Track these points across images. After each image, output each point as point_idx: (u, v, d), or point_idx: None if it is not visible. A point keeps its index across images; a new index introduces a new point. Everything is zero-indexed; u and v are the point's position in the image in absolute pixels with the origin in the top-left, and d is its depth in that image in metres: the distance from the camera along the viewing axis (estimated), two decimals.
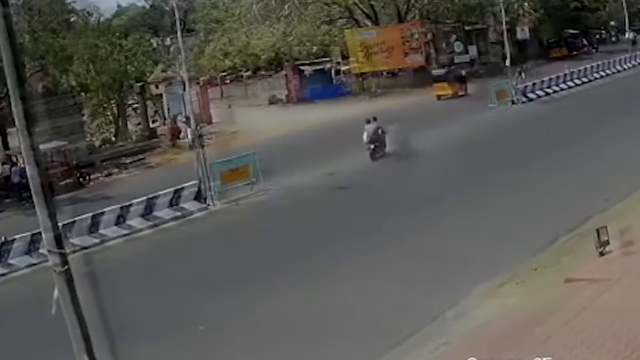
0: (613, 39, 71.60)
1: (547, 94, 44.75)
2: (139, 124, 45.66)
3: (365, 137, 30.60)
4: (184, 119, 37.44)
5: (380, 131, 30.63)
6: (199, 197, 26.57)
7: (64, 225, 20.01)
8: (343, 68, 57.12)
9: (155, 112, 46.15)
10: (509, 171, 25.91)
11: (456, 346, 13.13)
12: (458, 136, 33.73)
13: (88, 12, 49.10)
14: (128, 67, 42.96)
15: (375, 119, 31.18)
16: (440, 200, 23.19)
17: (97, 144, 42.24)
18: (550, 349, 11.52)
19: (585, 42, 67.43)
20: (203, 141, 28.97)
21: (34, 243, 21.64)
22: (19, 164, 30.55)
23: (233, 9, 63.84)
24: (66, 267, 7.93)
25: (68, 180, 32.47)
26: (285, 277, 18.25)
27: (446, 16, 62.24)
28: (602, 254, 15.79)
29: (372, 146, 30.36)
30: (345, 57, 57.60)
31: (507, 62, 43.49)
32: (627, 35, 60.22)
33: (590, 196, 21.50)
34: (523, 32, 64.34)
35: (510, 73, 43.36)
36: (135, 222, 24.78)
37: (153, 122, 45.83)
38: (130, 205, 24.99)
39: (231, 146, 33.72)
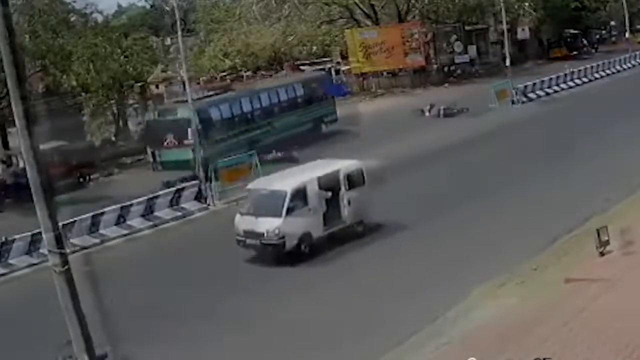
0: (613, 39, 71.45)
1: (548, 94, 44.73)
2: (139, 123, 45.61)
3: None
4: None
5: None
6: (199, 197, 26.55)
7: (64, 225, 20.00)
8: (343, 68, 57.02)
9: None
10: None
11: (456, 346, 13.13)
12: (463, 136, 33.86)
13: (89, 12, 49.02)
14: (128, 67, 42.89)
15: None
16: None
17: (97, 144, 42.18)
18: (550, 349, 11.52)
19: (585, 42, 67.35)
20: None
21: (34, 243, 21.62)
22: (13, 165, 30.60)
23: (233, 9, 63.77)
24: (66, 267, 7.95)
25: (68, 180, 32.40)
26: (285, 277, 18.24)
27: (446, 16, 62.14)
28: (602, 254, 15.78)
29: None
30: (345, 57, 57.53)
31: (507, 62, 43.45)
32: (626, 35, 60.15)
33: (591, 196, 21.51)
34: (523, 32, 64.28)
35: (510, 73, 43.32)
36: (135, 222, 24.75)
37: None
38: (131, 205, 24.97)
39: None
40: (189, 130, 29.22)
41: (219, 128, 31.98)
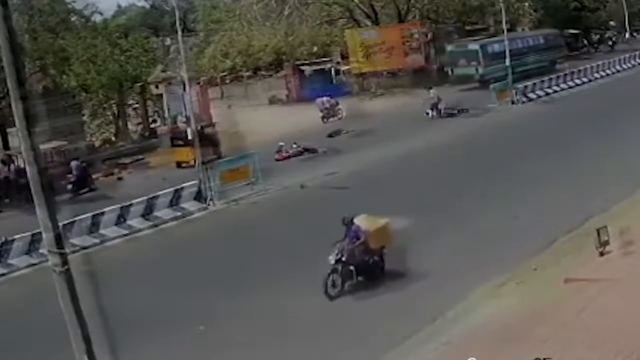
0: (613, 38, 71.34)
1: (547, 94, 44.75)
2: (139, 124, 45.63)
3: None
4: (184, 119, 37.38)
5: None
6: (199, 197, 26.54)
7: (64, 225, 20.00)
8: (343, 68, 56.95)
9: (155, 112, 46.10)
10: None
11: (456, 346, 13.13)
12: (457, 137, 33.91)
13: (90, 13, 49.05)
14: (128, 67, 42.90)
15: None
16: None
17: (97, 144, 42.18)
18: (550, 349, 11.53)
19: (585, 42, 67.32)
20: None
21: (34, 243, 21.61)
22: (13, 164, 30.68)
23: (233, 9, 63.79)
24: (66, 267, 7.94)
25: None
26: (285, 278, 18.23)
27: (447, 16, 62.18)
28: (602, 254, 15.79)
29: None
30: (345, 57, 57.49)
31: (507, 62, 43.52)
32: (626, 36, 60.17)
33: (590, 196, 21.50)
34: (523, 32, 64.31)
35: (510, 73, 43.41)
36: (135, 222, 24.74)
37: (153, 122, 45.79)
38: (130, 205, 24.95)
39: (231, 146, 33.75)
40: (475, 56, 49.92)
41: (491, 56, 49.27)
